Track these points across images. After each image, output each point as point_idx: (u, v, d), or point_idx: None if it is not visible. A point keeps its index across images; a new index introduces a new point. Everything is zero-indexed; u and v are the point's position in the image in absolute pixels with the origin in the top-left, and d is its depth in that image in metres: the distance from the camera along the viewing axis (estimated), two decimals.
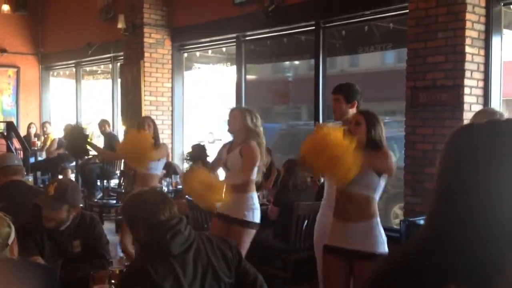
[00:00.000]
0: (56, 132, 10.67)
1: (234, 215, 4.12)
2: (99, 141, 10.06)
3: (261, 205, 5.56)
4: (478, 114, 3.93)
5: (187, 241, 2.29)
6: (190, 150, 7.23)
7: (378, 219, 3.32)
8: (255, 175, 4.21)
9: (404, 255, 0.99)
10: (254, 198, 4.21)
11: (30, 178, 6.67)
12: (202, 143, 7.34)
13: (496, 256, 0.87)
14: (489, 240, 0.87)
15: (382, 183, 3.33)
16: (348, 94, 3.86)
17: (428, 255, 0.92)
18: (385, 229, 5.86)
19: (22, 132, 10.40)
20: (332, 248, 3.35)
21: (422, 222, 3.83)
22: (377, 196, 3.33)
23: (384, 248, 3.28)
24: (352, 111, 3.81)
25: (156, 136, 5.38)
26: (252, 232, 4.17)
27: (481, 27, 4.75)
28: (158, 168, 5.42)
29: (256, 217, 4.18)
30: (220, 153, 4.42)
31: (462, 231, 0.89)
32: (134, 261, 2.45)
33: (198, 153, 6.99)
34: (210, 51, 8.54)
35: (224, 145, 4.48)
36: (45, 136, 10.65)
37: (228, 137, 4.54)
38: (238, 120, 4.17)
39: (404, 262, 0.96)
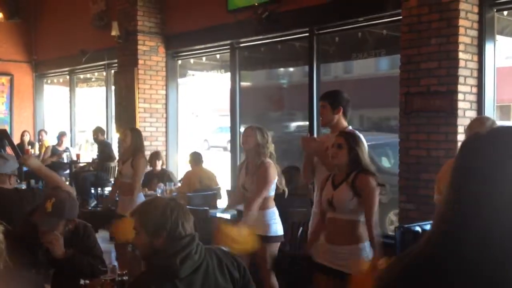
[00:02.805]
0: (51, 140, 10.63)
1: (256, 232, 4.11)
2: (93, 149, 10.03)
3: None
4: (474, 122, 3.95)
5: (196, 263, 2.22)
6: (188, 157, 7.36)
7: (366, 243, 3.28)
8: (273, 192, 4.29)
9: (419, 259, 0.98)
10: (274, 213, 4.29)
11: (23, 186, 6.62)
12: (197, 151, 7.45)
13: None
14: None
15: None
16: (333, 101, 4.00)
17: (445, 257, 0.92)
18: (380, 236, 5.84)
19: (16, 140, 10.34)
20: (320, 266, 3.36)
21: (417, 228, 3.80)
22: (362, 218, 3.30)
23: None
24: (338, 117, 3.97)
25: (136, 146, 5.44)
26: (276, 245, 4.27)
27: (474, 33, 4.77)
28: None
29: (278, 231, 4.27)
30: (238, 177, 4.51)
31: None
32: (139, 278, 2.37)
33: (194, 159, 7.14)
34: (204, 58, 8.53)
35: (239, 168, 4.60)
36: (40, 144, 10.60)
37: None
38: (252, 138, 4.27)
39: (420, 267, 0.95)
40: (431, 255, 0.94)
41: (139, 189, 5.40)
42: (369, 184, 3.27)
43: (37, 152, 10.56)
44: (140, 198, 5.32)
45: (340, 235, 3.30)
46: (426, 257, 0.94)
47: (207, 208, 5.84)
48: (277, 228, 4.27)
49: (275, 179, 4.24)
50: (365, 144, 3.90)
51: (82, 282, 2.71)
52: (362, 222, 3.29)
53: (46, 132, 10.90)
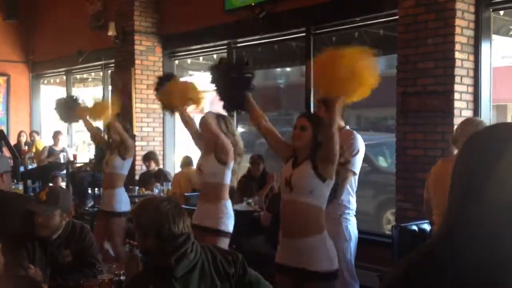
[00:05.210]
0: (44, 140, 10.62)
1: (206, 224, 3.96)
2: (90, 150, 10.02)
3: (253, 211, 5.58)
4: (464, 124, 3.88)
5: (191, 262, 2.22)
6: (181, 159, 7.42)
7: (326, 233, 3.00)
8: (228, 179, 4.06)
9: (421, 260, 0.97)
10: (228, 206, 4.07)
11: (20, 187, 6.60)
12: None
13: None
14: None
15: (326, 190, 3.00)
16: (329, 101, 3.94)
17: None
18: (377, 235, 5.88)
19: (12, 140, 10.33)
20: (281, 266, 3.07)
21: (414, 227, 3.82)
22: (323, 206, 3.01)
23: (333, 265, 2.98)
24: None
25: (125, 135, 5.47)
26: (226, 240, 4.03)
27: (471, 33, 4.78)
28: (124, 168, 5.48)
29: (230, 226, 4.04)
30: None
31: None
32: (137, 278, 2.38)
33: (185, 162, 7.22)
34: (201, 58, 8.53)
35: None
36: (30, 144, 10.60)
37: None
38: (211, 125, 4.05)
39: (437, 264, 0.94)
40: (433, 255, 0.94)
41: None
42: None
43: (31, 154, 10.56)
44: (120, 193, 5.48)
45: (297, 223, 2.96)
46: (429, 257, 0.95)
47: None
48: (229, 223, 4.03)
49: (230, 155, 3.99)
50: (362, 143, 3.90)
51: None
52: (323, 209, 2.99)
53: (37, 133, 10.92)
